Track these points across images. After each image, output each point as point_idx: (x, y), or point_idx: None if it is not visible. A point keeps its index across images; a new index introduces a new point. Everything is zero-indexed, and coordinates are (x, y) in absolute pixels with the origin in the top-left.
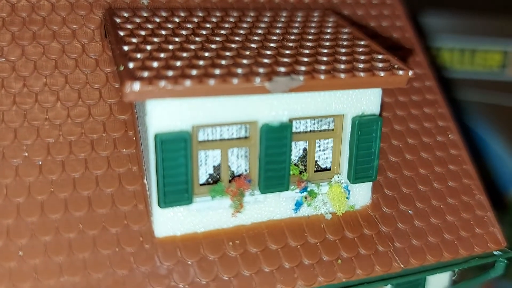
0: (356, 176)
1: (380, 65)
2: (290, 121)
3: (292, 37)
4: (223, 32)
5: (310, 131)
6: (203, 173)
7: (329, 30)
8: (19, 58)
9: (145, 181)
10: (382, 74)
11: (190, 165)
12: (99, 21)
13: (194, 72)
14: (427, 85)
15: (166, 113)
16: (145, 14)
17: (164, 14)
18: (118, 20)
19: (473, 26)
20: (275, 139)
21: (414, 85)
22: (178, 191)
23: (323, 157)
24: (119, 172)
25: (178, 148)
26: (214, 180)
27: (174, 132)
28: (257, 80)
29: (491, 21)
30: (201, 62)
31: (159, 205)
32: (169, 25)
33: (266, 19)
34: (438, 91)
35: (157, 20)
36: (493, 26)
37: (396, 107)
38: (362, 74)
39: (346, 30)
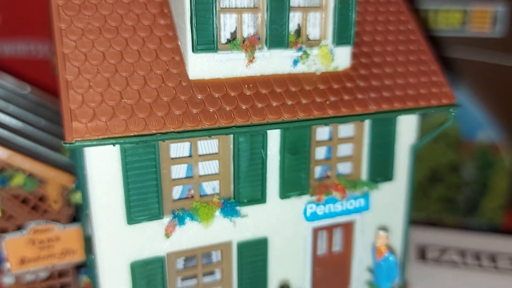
0: (338, 41)
1: None
2: None
3: None
4: None
5: (303, 7)
6: (223, 37)
7: None
8: (94, 13)
9: (179, 42)
10: None
11: (216, 23)
12: None
13: None
14: None
15: None
16: None
17: None
18: None
19: None
20: (277, 7)
21: None
22: (207, 41)
23: (313, 32)
24: (159, 35)
25: (206, 8)
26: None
27: None
28: None
29: None
30: None
31: (193, 50)
32: None
33: None
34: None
35: None
36: None
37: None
38: None
39: None
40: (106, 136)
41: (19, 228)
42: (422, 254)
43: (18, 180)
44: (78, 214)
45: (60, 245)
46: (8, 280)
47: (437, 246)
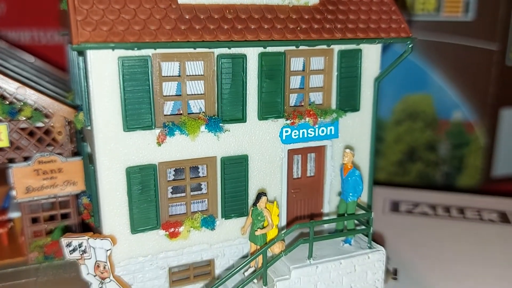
0: None
1: None
2: None
3: None
4: None
5: None
6: None
7: None
8: None
9: None
10: None
11: None
12: None
13: None
14: None
15: None
16: None
17: None
18: None
19: None
20: None
21: None
22: None
23: None
24: None
25: None
26: None
27: None
28: None
29: None
30: None
31: None
32: None
33: None
34: None
35: None
36: None
37: None
38: None
39: None
40: (106, 41)
41: (25, 159)
42: (395, 207)
43: (26, 112)
44: (78, 149)
45: (62, 176)
46: (14, 214)
47: (410, 201)
